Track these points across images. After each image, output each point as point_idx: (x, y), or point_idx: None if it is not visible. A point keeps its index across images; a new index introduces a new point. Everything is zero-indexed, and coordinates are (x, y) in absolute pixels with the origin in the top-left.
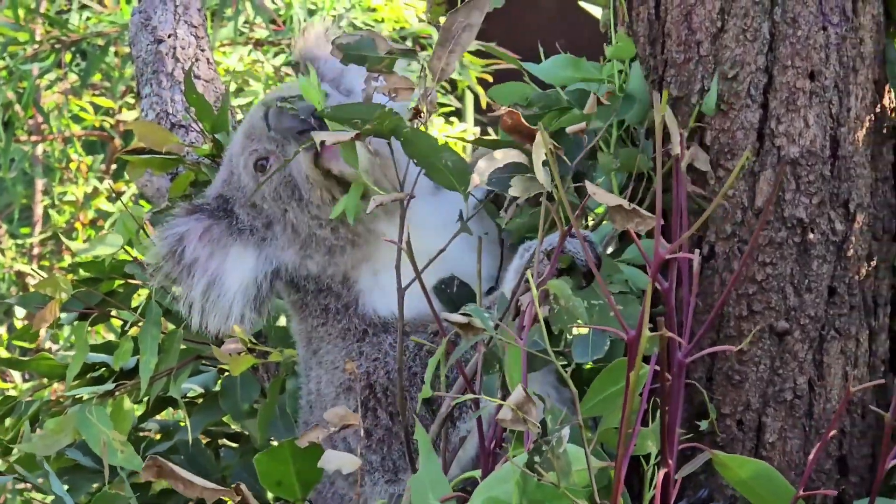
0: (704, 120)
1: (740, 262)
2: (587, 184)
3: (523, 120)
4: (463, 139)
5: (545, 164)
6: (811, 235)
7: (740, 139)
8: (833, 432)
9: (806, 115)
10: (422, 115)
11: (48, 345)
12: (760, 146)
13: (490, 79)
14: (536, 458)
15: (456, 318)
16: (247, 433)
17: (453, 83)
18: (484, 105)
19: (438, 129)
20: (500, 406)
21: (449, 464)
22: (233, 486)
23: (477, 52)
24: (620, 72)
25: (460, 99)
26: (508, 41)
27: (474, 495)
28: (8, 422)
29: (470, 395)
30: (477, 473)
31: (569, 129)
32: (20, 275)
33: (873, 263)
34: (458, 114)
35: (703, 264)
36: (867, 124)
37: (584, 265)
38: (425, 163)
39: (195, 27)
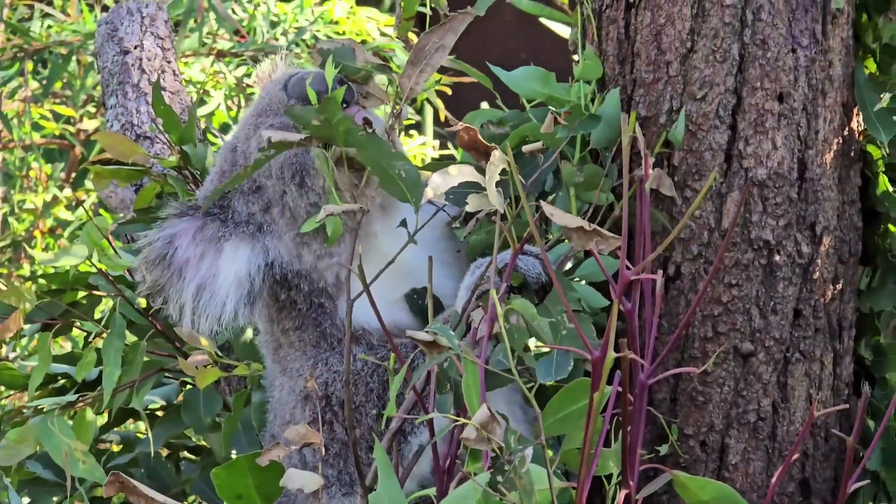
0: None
1: (705, 282)
2: (543, 204)
3: (480, 136)
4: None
5: (499, 183)
6: (777, 257)
7: (708, 160)
8: (796, 455)
9: (774, 136)
10: (370, 125)
11: (8, 354)
12: (728, 167)
13: (448, 91)
14: (499, 478)
15: (421, 335)
16: (208, 446)
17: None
18: (443, 118)
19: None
20: (455, 423)
21: (404, 479)
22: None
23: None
24: (589, 94)
25: (419, 111)
26: (469, 51)
27: None
28: None
29: (424, 416)
30: (432, 491)
31: (525, 149)
32: None
33: (839, 286)
34: (418, 126)
35: (669, 285)
36: (835, 147)
37: (536, 283)
38: (378, 171)
39: (161, 38)
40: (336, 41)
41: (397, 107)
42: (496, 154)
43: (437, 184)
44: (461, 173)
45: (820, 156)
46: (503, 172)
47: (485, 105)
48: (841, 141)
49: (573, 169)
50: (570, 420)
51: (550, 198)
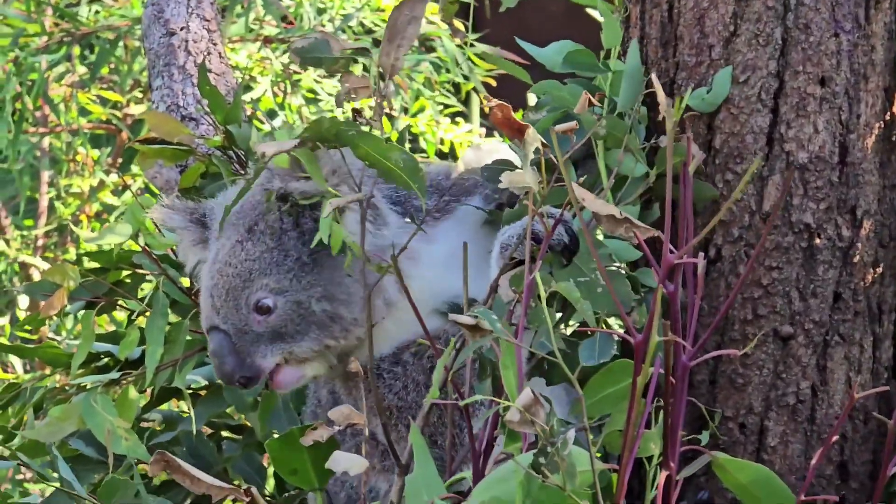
0: (714, 124)
1: (746, 265)
2: (576, 186)
3: (513, 114)
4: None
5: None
6: (818, 241)
7: (750, 143)
8: (835, 438)
9: (816, 120)
10: (362, 116)
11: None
12: (770, 151)
13: (493, 83)
14: (542, 460)
15: (464, 319)
16: (250, 425)
17: (457, 85)
18: (486, 108)
19: (444, 129)
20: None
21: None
22: (244, 488)
23: (482, 55)
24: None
25: (465, 101)
26: (514, 45)
27: (473, 494)
28: (11, 410)
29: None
30: (468, 474)
31: (558, 128)
32: (24, 266)
33: (879, 270)
34: (464, 116)
35: (710, 267)
36: (876, 131)
37: (559, 244)
38: (377, 164)
39: (207, 21)
40: (310, 36)
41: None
42: (530, 132)
43: (470, 158)
44: (494, 149)
45: (861, 140)
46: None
47: (531, 95)
48: (882, 125)
49: (593, 118)
50: (609, 402)
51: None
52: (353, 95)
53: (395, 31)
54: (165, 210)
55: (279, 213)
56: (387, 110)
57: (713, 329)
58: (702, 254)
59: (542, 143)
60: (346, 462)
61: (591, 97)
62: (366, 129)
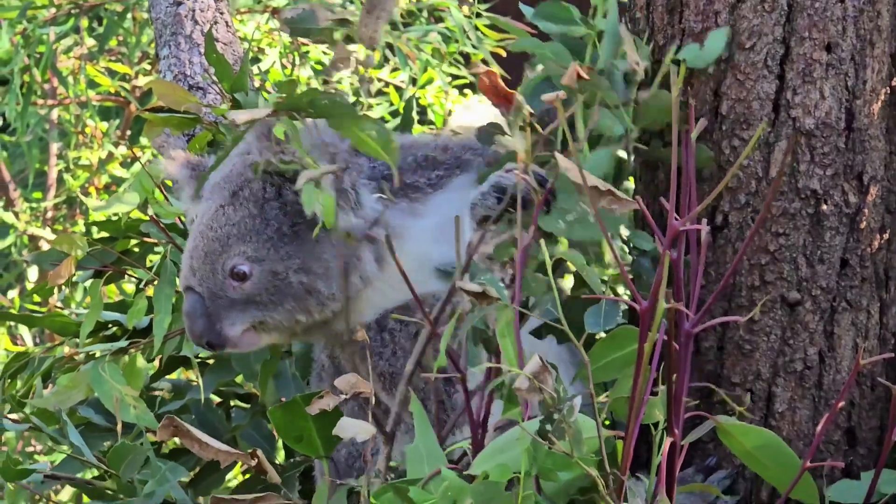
0: (721, 90)
1: (751, 231)
2: (559, 157)
3: (500, 81)
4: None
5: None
6: (824, 207)
7: (756, 109)
8: (842, 404)
9: (822, 86)
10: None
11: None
12: (776, 117)
13: (503, 53)
14: (548, 427)
15: (472, 286)
16: (258, 394)
17: (467, 56)
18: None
19: (453, 100)
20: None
21: (447, 433)
22: (250, 451)
23: (491, 26)
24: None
25: (474, 73)
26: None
27: (477, 462)
28: (20, 379)
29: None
30: (466, 444)
31: (544, 98)
32: (33, 238)
33: (886, 236)
34: (473, 87)
35: (717, 234)
36: (882, 97)
37: (527, 196)
38: (349, 133)
39: None
40: (297, 7)
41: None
42: (518, 98)
43: (461, 119)
44: (486, 111)
45: (867, 106)
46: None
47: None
48: (889, 91)
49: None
50: (614, 367)
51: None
52: (339, 65)
53: (373, 2)
54: (169, 161)
55: (262, 182)
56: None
57: (716, 296)
58: (705, 221)
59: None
60: (352, 429)
61: (580, 66)
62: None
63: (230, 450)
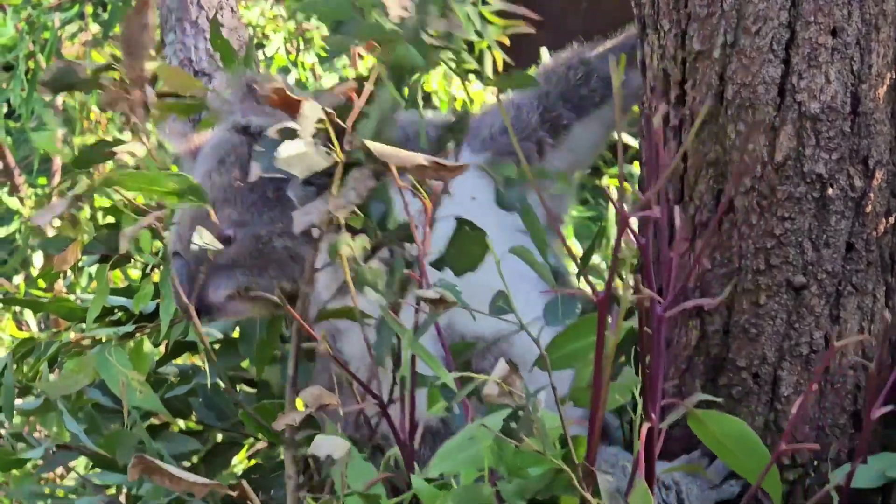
0: (726, 74)
1: (757, 215)
2: (370, 143)
3: (288, 93)
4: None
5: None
6: (830, 191)
7: (762, 94)
8: (848, 388)
9: (827, 71)
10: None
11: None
12: (781, 101)
13: (507, 41)
14: (513, 424)
15: (428, 293)
16: (265, 378)
17: (470, 43)
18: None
19: (457, 87)
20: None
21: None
22: (234, 483)
23: (497, 12)
24: None
25: (479, 59)
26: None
27: (435, 463)
28: (26, 365)
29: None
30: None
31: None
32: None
33: (891, 220)
34: (478, 74)
35: (722, 218)
36: (888, 81)
37: None
38: None
39: None
40: (54, 65)
41: None
42: (306, 105)
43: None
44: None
45: (873, 90)
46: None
47: (544, 52)
48: (894, 75)
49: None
50: (573, 357)
51: None
52: (111, 106)
53: (131, 44)
54: (165, 134)
55: (247, 148)
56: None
57: (687, 279)
58: (678, 207)
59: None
60: (327, 447)
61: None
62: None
63: (205, 481)
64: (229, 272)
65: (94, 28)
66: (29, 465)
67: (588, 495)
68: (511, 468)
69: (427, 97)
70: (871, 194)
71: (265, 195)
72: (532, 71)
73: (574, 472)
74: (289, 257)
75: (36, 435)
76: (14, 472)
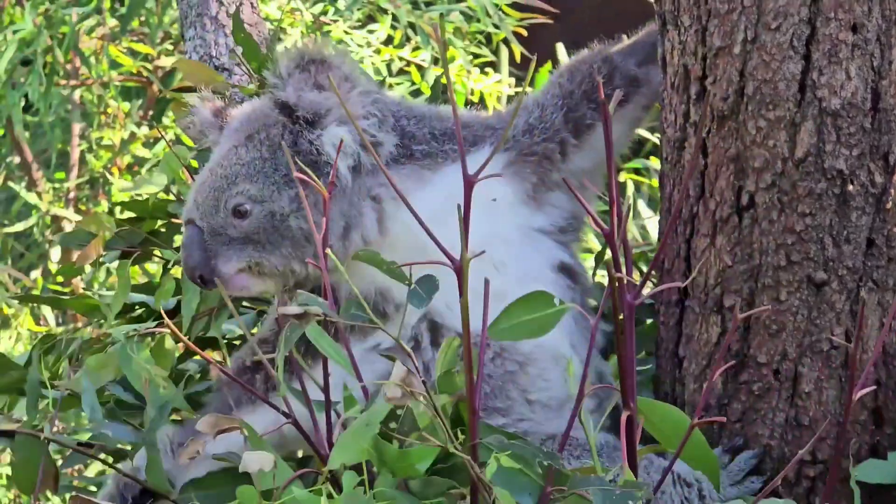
0: (746, 71)
1: (777, 212)
2: None
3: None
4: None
5: None
6: (851, 187)
7: (782, 90)
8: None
9: (848, 67)
10: None
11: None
12: (802, 97)
13: (524, 32)
14: (393, 424)
15: (292, 310)
16: None
17: (488, 36)
18: (517, 58)
19: (474, 80)
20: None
21: None
22: None
23: (513, 4)
24: None
25: (495, 52)
26: None
27: (333, 456)
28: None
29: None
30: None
31: None
32: (55, 219)
33: None
34: (494, 66)
35: (743, 213)
36: None
37: None
38: None
39: None
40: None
41: None
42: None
43: None
44: None
45: (893, 86)
46: None
47: (560, 46)
48: None
49: None
50: (524, 328)
51: None
52: None
53: None
54: (197, 101)
55: (281, 129)
56: (416, 60)
57: (653, 266)
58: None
59: None
60: (255, 462)
61: None
62: None
63: None
64: (241, 246)
65: (112, 22)
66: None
67: (480, 472)
68: (396, 469)
69: (443, 90)
70: (892, 190)
71: (289, 176)
72: (549, 68)
73: (464, 452)
74: (303, 238)
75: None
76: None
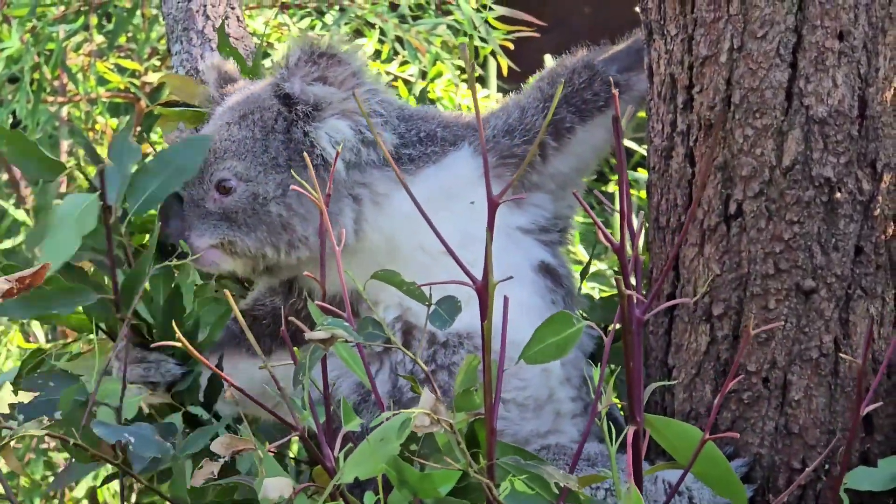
0: (733, 79)
1: (765, 220)
2: None
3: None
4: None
5: None
6: (838, 195)
7: (769, 98)
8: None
9: (834, 74)
10: None
11: None
12: (789, 105)
13: (511, 46)
14: (413, 446)
15: (318, 335)
16: None
17: (475, 49)
18: (505, 72)
19: (462, 94)
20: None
21: None
22: None
23: (501, 18)
24: None
25: (483, 65)
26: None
27: (347, 468)
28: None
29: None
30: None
31: None
32: None
33: None
34: (482, 80)
35: (731, 222)
36: (895, 85)
37: None
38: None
39: None
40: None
41: None
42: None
43: None
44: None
45: (880, 93)
46: None
47: (548, 58)
48: None
49: None
50: (549, 351)
51: None
52: None
53: None
54: (209, 63)
55: (276, 114)
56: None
57: (662, 281)
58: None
59: None
60: (276, 489)
61: None
62: None
63: None
64: (217, 222)
65: (99, 39)
66: (37, 475)
67: (496, 493)
68: (419, 491)
69: (432, 104)
70: (880, 197)
71: (277, 161)
72: (536, 75)
73: (481, 475)
74: (280, 225)
75: (43, 446)
76: (23, 482)
